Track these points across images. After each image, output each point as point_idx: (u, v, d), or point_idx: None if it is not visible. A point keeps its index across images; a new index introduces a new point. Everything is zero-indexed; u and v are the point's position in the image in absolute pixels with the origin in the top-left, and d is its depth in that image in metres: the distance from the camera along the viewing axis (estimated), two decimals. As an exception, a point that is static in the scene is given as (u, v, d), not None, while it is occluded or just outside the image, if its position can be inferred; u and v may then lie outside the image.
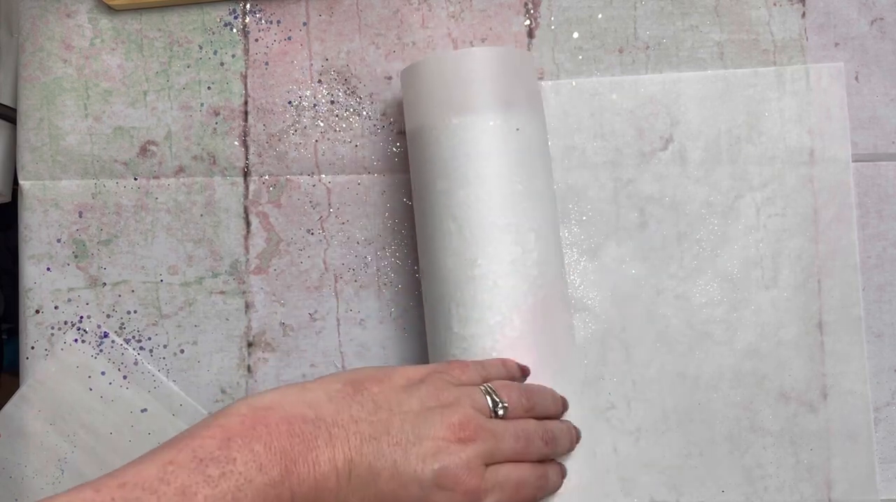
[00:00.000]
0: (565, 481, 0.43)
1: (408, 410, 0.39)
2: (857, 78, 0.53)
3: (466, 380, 0.42)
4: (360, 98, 0.54)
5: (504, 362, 0.44)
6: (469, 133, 0.45)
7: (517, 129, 0.46)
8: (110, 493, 0.32)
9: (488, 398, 0.41)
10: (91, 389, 0.53)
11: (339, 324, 0.53)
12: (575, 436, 0.44)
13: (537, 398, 0.43)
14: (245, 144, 0.54)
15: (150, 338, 0.53)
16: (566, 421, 0.44)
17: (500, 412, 0.41)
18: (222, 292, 0.53)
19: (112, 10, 0.54)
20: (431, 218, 0.46)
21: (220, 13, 0.54)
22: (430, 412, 0.39)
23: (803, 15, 0.53)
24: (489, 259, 0.44)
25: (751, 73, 0.53)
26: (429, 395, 0.40)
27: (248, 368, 0.53)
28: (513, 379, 0.44)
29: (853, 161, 0.53)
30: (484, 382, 0.42)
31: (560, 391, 0.45)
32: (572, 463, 0.44)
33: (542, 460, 0.42)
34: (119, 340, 0.53)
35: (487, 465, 0.39)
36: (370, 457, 0.37)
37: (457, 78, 0.45)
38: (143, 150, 0.54)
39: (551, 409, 0.44)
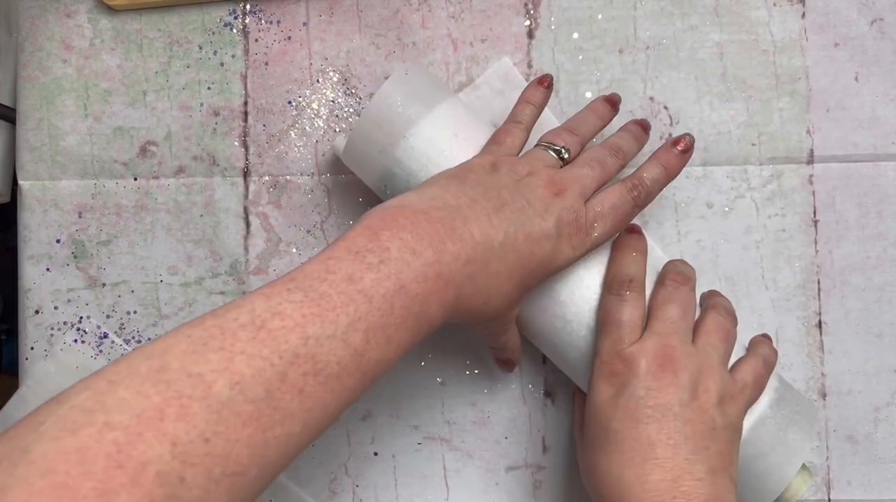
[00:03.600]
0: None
1: (507, 183, 0.42)
2: (856, 78, 0.53)
3: (516, 142, 0.46)
4: (360, 98, 0.54)
5: (524, 102, 0.48)
6: (430, 133, 0.46)
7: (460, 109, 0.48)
8: (284, 285, 0.35)
9: (549, 152, 0.45)
10: (91, 390, 0.53)
11: (339, 325, 0.53)
12: (641, 130, 0.48)
13: (581, 126, 0.47)
14: (245, 144, 0.54)
15: (150, 339, 0.53)
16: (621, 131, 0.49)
17: (565, 155, 0.45)
18: (222, 292, 0.53)
19: (112, 11, 0.54)
20: None
21: (220, 13, 0.54)
22: (522, 182, 0.43)
23: (803, 15, 0.53)
24: None
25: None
26: (510, 171, 0.43)
27: (248, 369, 0.53)
28: (538, 107, 0.48)
29: (853, 161, 0.53)
30: (526, 134, 0.47)
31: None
32: None
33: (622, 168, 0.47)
34: (119, 341, 0.53)
35: (587, 203, 0.44)
36: (503, 226, 0.40)
37: (386, 113, 0.47)
38: (143, 151, 0.54)
39: (597, 124, 0.48)
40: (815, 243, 0.53)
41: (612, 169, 0.45)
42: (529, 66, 0.53)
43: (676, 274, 0.46)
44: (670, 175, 0.46)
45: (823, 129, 0.53)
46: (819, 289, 0.53)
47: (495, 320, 0.43)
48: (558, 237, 0.42)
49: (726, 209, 0.53)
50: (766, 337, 0.49)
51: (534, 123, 0.48)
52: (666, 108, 0.53)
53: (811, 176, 0.53)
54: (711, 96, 0.53)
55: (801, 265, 0.53)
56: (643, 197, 0.45)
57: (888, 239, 0.52)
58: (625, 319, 0.44)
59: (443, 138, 0.46)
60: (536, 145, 0.46)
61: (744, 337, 0.48)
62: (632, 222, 0.47)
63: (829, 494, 0.52)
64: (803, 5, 0.53)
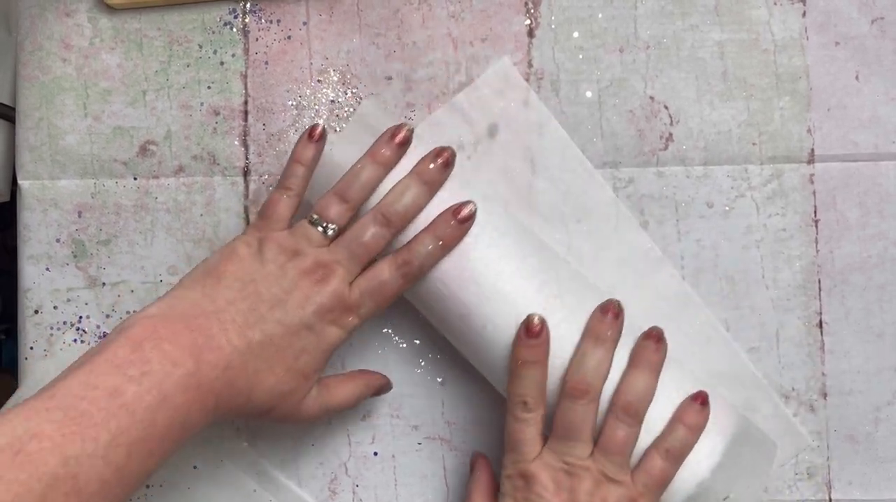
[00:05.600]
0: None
1: (267, 274, 0.43)
2: (857, 77, 0.53)
3: (285, 213, 0.46)
4: (360, 98, 0.54)
5: (294, 163, 0.47)
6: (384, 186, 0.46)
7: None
8: (43, 404, 0.35)
9: (317, 229, 0.45)
10: (90, 389, 0.53)
11: (339, 324, 0.53)
12: (441, 167, 0.46)
13: (351, 193, 0.45)
14: (245, 144, 0.54)
15: (149, 338, 0.53)
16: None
17: (331, 233, 0.45)
18: (222, 292, 0.53)
19: (111, 10, 0.54)
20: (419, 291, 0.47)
21: (220, 12, 0.54)
22: (285, 268, 0.44)
23: (804, 14, 0.53)
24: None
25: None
26: (274, 253, 0.44)
27: (248, 368, 0.53)
28: (308, 167, 0.47)
29: (854, 161, 0.53)
30: (296, 200, 0.46)
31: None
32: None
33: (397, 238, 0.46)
34: (118, 340, 0.53)
35: (353, 282, 0.44)
36: (260, 325, 0.42)
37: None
38: (143, 150, 0.54)
39: (376, 176, 0.46)
40: (816, 243, 0.53)
41: (381, 243, 0.45)
42: (530, 65, 0.53)
43: (579, 382, 0.44)
44: (447, 248, 0.45)
45: (824, 129, 0.53)
46: (820, 289, 0.52)
47: (279, 409, 0.44)
48: (321, 323, 0.43)
49: (727, 208, 0.53)
50: (697, 399, 0.45)
51: (306, 185, 0.47)
52: (666, 107, 0.53)
53: (812, 175, 0.53)
54: (712, 95, 0.53)
55: (801, 265, 0.52)
56: (414, 273, 0.45)
57: (889, 238, 0.52)
58: (522, 438, 0.44)
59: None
60: (307, 217, 0.45)
61: (749, 335, 0.50)
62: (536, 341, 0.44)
63: (829, 494, 0.52)
64: (804, 4, 0.53)
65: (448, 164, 0.46)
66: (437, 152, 0.46)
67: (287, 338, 0.43)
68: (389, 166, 0.46)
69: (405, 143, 0.46)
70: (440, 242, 0.45)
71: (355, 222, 0.45)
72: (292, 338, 0.43)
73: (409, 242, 0.45)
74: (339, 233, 0.45)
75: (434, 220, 0.45)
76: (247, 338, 0.42)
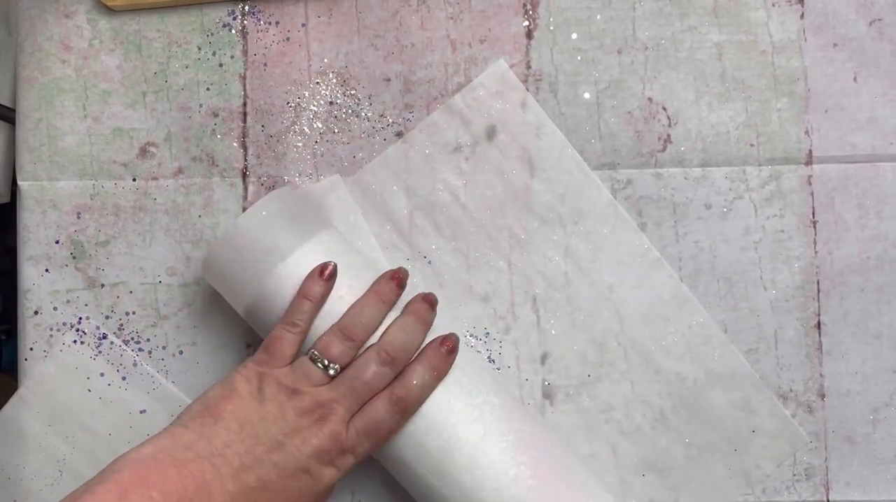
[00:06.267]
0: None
1: (266, 414, 0.43)
2: (855, 79, 0.53)
3: (288, 350, 0.45)
4: (359, 99, 0.54)
5: (302, 298, 0.46)
6: (298, 269, 0.46)
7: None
8: None
9: (318, 365, 0.45)
10: (90, 390, 0.53)
11: (337, 325, 0.53)
12: (427, 308, 0.47)
13: (355, 331, 0.45)
14: (244, 145, 0.54)
15: (148, 340, 0.53)
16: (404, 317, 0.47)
17: (332, 373, 0.45)
18: (221, 293, 0.53)
19: (111, 11, 0.54)
20: None
21: (219, 14, 0.54)
22: (284, 408, 0.43)
23: (802, 16, 0.53)
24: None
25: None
26: (275, 393, 0.44)
27: (247, 369, 0.53)
28: (316, 303, 0.45)
29: (851, 162, 0.53)
30: (301, 337, 0.45)
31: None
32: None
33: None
34: (118, 341, 0.53)
35: (350, 422, 0.44)
36: (255, 470, 0.42)
37: (253, 240, 0.47)
38: (143, 152, 0.54)
39: (378, 314, 0.46)
40: (814, 244, 0.53)
41: (384, 382, 0.45)
42: (528, 66, 0.53)
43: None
44: (440, 378, 0.46)
45: (822, 130, 0.53)
46: (818, 290, 0.53)
47: None
48: (318, 464, 0.43)
49: (725, 210, 0.53)
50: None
51: (312, 321, 0.46)
52: (664, 108, 0.53)
53: (810, 176, 0.53)
54: (710, 97, 0.53)
55: (799, 266, 0.53)
56: (411, 408, 0.45)
57: (888, 239, 0.52)
58: None
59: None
60: (308, 354, 0.45)
61: (747, 336, 0.50)
62: None
63: (827, 495, 0.52)
64: (802, 6, 0.53)
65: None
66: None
67: (283, 482, 0.42)
68: (391, 304, 0.47)
69: (403, 284, 0.47)
70: (434, 372, 0.46)
71: (357, 359, 0.45)
72: (288, 481, 0.43)
73: (401, 375, 0.45)
74: (341, 371, 0.45)
75: (426, 350, 0.46)
76: (242, 482, 0.41)
